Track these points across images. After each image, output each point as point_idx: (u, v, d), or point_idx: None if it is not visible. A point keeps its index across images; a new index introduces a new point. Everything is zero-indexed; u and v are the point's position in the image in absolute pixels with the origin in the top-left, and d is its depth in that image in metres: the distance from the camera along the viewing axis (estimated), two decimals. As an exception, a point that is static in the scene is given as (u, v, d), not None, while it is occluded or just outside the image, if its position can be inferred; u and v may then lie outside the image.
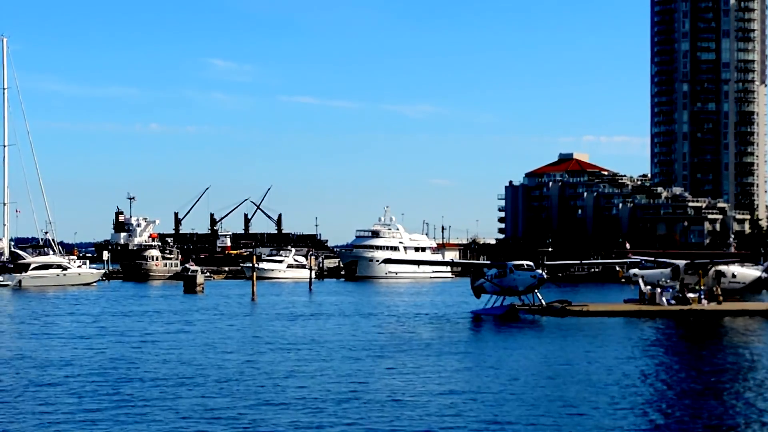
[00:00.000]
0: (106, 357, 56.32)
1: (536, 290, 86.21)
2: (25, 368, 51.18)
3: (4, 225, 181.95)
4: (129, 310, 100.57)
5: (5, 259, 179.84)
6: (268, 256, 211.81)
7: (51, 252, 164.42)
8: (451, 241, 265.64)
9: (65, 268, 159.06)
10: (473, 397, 41.62)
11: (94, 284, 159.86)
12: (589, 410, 38.60)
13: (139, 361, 54.30)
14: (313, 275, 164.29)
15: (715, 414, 38.20)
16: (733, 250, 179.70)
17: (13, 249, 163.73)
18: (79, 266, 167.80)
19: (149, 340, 66.84)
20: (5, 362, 53.84)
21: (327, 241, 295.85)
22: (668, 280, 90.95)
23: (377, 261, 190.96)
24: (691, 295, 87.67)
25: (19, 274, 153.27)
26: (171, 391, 43.16)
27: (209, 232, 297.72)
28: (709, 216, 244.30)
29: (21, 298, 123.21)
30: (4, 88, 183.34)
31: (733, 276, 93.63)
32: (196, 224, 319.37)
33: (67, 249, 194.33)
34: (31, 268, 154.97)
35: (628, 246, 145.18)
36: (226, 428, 35.19)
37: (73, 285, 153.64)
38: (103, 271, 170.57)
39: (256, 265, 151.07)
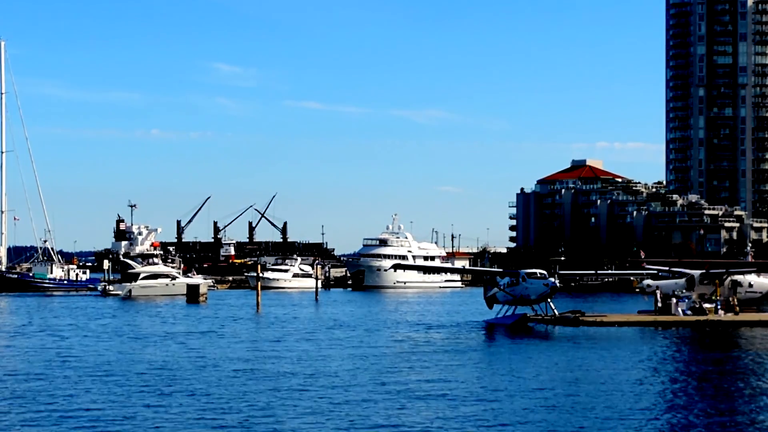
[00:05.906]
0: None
1: (549, 299, 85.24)
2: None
3: (2, 233, 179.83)
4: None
5: (3, 269, 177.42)
6: (273, 265, 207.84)
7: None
8: (462, 250, 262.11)
9: (174, 278, 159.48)
10: (499, 407, 41.43)
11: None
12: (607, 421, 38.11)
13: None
14: (319, 285, 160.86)
15: (729, 422, 37.77)
16: (750, 258, 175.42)
17: (122, 259, 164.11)
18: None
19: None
20: None
21: (333, 249, 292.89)
22: (683, 290, 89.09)
23: (385, 270, 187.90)
24: (707, 305, 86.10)
25: (129, 284, 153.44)
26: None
27: (212, 240, 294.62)
28: (726, 224, 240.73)
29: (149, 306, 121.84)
30: (1, 93, 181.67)
31: (750, 286, 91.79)
32: (199, 232, 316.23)
33: (67, 258, 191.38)
34: (140, 277, 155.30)
35: (642, 254, 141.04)
36: None
37: (181, 294, 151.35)
38: (210, 281, 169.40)
39: (260, 275, 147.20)
